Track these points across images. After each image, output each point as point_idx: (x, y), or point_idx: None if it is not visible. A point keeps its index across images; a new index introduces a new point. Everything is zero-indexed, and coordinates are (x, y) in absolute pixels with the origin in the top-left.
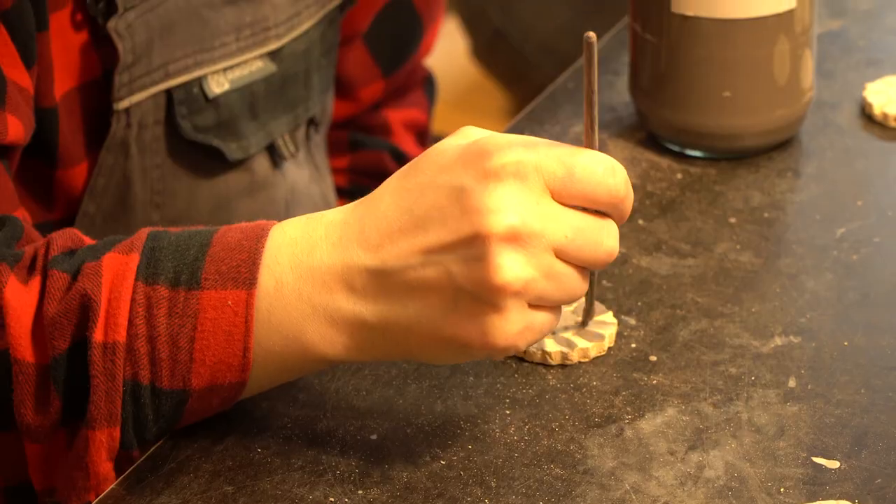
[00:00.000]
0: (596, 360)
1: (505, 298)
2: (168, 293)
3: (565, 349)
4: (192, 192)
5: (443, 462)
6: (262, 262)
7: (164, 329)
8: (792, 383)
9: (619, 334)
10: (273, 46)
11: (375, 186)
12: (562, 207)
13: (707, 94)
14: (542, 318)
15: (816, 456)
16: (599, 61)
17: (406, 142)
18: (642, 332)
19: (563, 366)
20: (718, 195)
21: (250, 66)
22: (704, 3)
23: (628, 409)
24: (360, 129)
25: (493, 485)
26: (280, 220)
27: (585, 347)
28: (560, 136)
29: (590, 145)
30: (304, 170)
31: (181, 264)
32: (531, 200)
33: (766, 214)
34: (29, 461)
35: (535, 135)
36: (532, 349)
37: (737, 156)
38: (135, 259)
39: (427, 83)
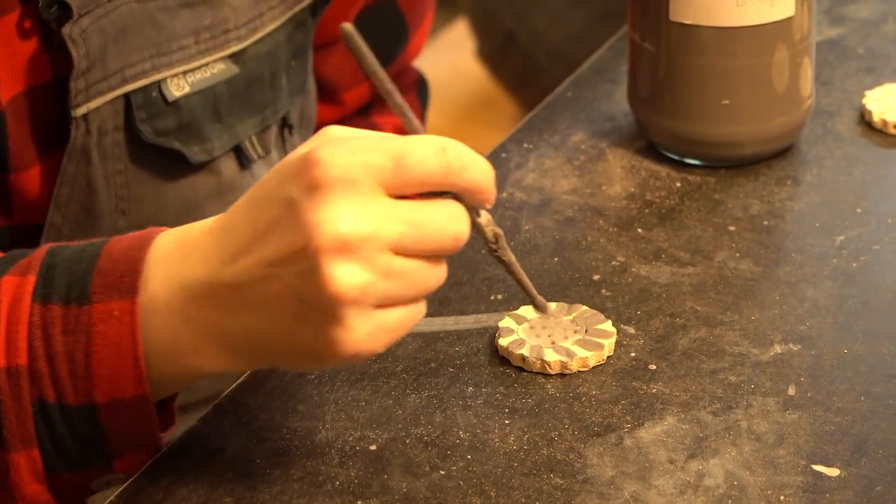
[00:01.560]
0: (595, 370)
1: (342, 308)
2: (61, 311)
3: (564, 359)
4: (157, 196)
5: (442, 472)
6: (142, 274)
7: (61, 347)
8: (791, 391)
9: (618, 343)
10: (234, 49)
11: None
12: (395, 203)
13: (706, 102)
14: (395, 316)
15: (816, 464)
16: (596, 69)
17: None
18: (641, 341)
19: (562, 375)
20: (718, 203)
21: (212, 69)
22: (703, 12)
23: (628, 417)
24: None
25: (493, 494)
26: None
27: (584, 357)
28: (559, 146)
29: (413, 131)
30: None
31: (73, 280)
32: (359, 203)
33: (765, 222)
34: None
35: (535, 144)
36: (531, 359)
37: (736, 164)
38: (31, 280)
39: (419, 86)
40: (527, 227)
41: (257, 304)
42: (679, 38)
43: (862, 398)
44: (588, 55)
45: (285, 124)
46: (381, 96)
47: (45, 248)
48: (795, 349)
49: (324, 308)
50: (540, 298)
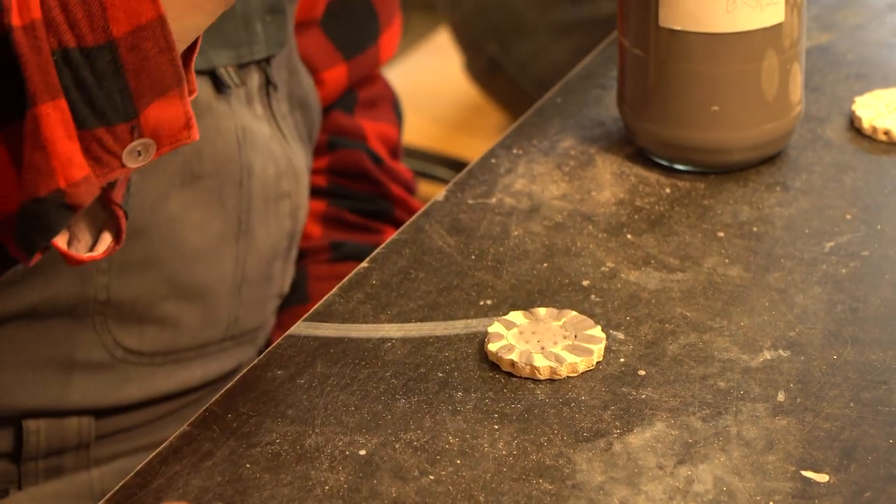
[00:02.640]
0: (584, 375)
1: None
2: None
3: (554, 364)
4: None
5: (431, 477)
6: None
7: None
8: (781, 397)
9: (607, 349)
10: None
11: (355, 187)
12: None
13: (695, 108)
14: None
15: (805, 470)
16: (585, 75)
17: (380, 152)
18: (631, 347)
19: (551, 380)
20: (707, 209)
21: None
22: (692, 18)
23: (617, 423)
24: (336, 133)
25: (482, 500)
26: (232, 153)
27: (574, 362)
28: (549, 151)
29: None
30: (264, 125)
31: None
32: None
33: (754, 228)
34: None
35: (524, 150)
36: (521, 364)
37: (725, 170)
38: None
39: (394, 104)
40: (516, 233)
41: None
42: (668, 44)
43: (851, 404)
44: None
45: (268, 81)
46: (366, 103)
47: None
48: (785, 355)
49: None
50: None
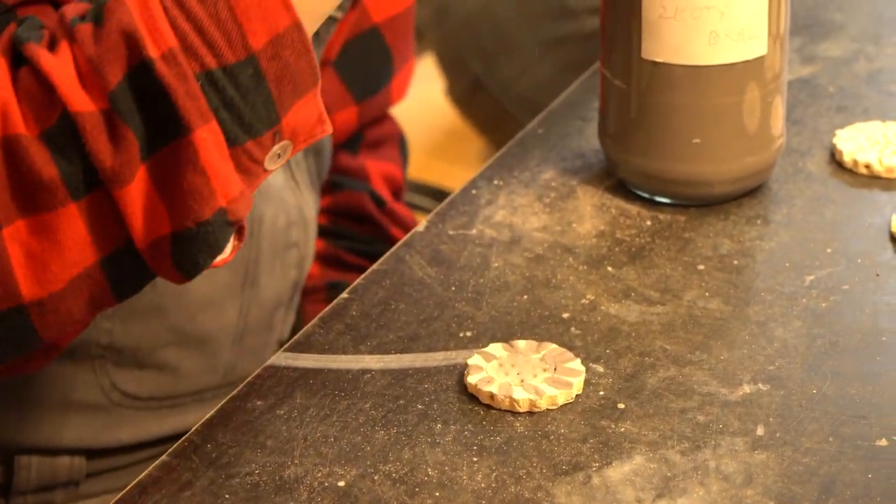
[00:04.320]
0: (564, 408)
1: None
2: None
3: (533, 397)
4: None
5: None
6: None
7: (204, 13)
8: (760, 431)
9: (587, 382)
10: None
11: (355, 228)
12: None
13: (677, 140)
14: None
15: None
16: (567, 106)
17: (384, 192)
18: (610, 380)
19: (530, 413)
20: (688, 242)
21: None
22: (675, 50)
23: (596, 456)
24: (340, 173)
25: None
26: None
27: (553, 395)
28: (530, 183)
29: None
30: (278, 172)
31: None
32: None
33: (735, 262)
34: (125, 212)
35: (505, 181)
36: (500, 396)
37: (706, 203)
38: None
39: (400, 143)
40: (496, 264)
41: None
42: (651, 76)
43: (830, 439)
44: None
45: None
46: (372, 144)
47: None
48: (764, 389)
49: None
50: None
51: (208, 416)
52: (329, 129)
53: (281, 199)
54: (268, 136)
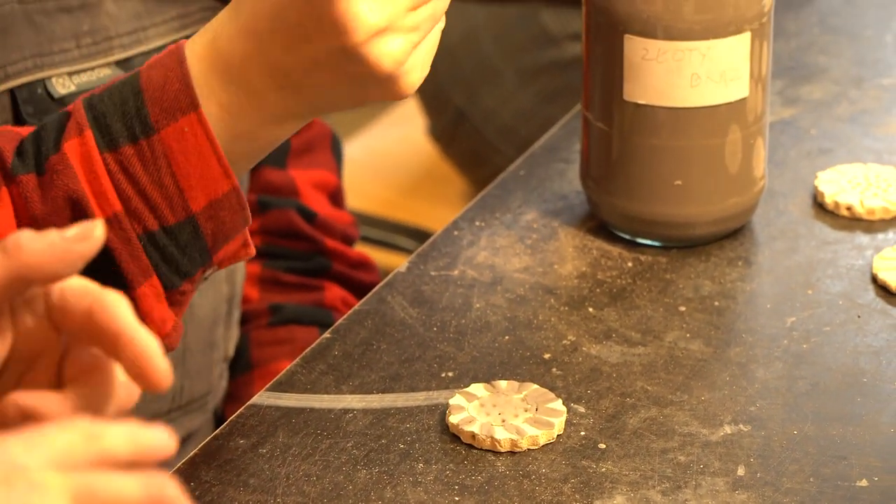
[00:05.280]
0: (545, 448)
1: (397, 72)
2: (133, 149)
3: (514, 436)
4: None
5: None
6: (194, 87)
7: (147, 179)
8: (741, 471)
9: (568, 422)
10: (119, 56)
11: (287, 246)
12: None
13: (658, 182)
14: (430, 44)
15: None
16: (549, 148)
17: (317, 202)
18: (592, 420)
19: (512, 453)
20: (669, 283)
21: (98, 73)
22: (657, 92)
23: (577, 496)
24: (266, 191)
25: None
26: None
27: (535, 435)
28: (511, 224)
29: None
30: None
31: (129, 119)
32: None
33: (716, 303)
34: None
35: (487, 223)
36: (481, 436)
37: (688, 244)
38: (89, 136)
39: (333, 143)
40: (478, 305)
41: (311, 86)
42: (633, 119)
43: (811, 479)
44: (538, 133)
45: None
46: (299, 152)
47: (78, 104)
48: (745, 430)
49: (380, 78)
50: None
51: (191, 454)
52: (252, 251)
53: None
54: (199, 274)
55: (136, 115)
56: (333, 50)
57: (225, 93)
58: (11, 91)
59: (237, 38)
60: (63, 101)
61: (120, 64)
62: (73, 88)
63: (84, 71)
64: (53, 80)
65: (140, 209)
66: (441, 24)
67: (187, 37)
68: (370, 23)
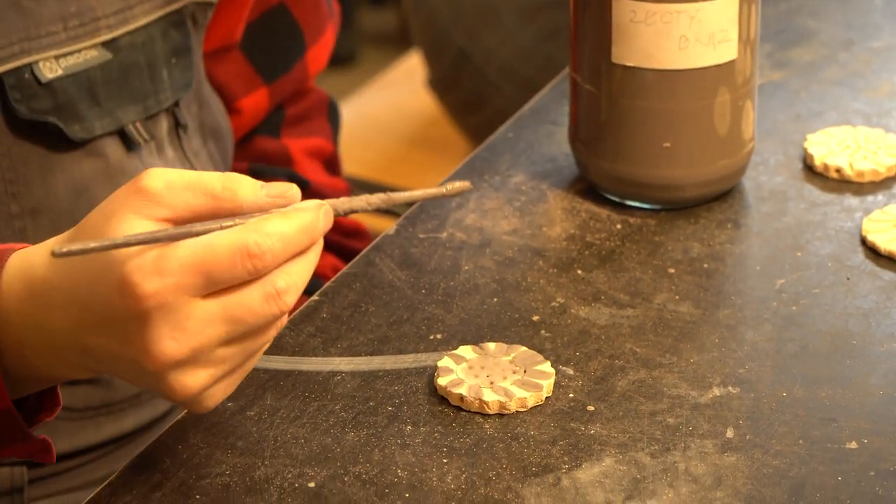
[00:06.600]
0: (533, 410)
1: (188, 400)
2: None
3: (503, 399)
4: (45, 178)
5: None
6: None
7: None
8: (730, 434)
9: (556, 384)
10: (105, 37)
11: None
12: (213, 304)
13: (647, 144)
14: (233, 379)
15: None
16: (537, 110)
17: (311, 170)
18: (580, 382)
19: (500, 415)
20: (658, 246)
21: (84, 55)
22: (645, 54)
23: (565, 458)
24: (259, 160)
25: None
26: None
27: (523, 397)
28: (500, 186)
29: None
30: (177, 168)
31: None
32: (180, 321)
33: (705, 265)
34: None
35: (475, 185)
36: (470, 398)
37: (677, 206)
38: None
39: (330, 110)
40: (466, 268)
41: (106, 362)
42: (621, 81)
43: (800, 441)
44: (538, 72)
45: (178, 123)
46: (294, 120)
47: None
48: (734, 392)
49: (173, 399)
50: (453, 185)
51: (179, 416)
52: (54, 458)
53: None
54: None
55: None
56: (132, 363)
57: (26, 309)
58: None
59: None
60: (50, 85)
61: (106, 45)
62: (59, 72)
63: (71, 54)
64: (41, 63)
65: None
66: (257, 359)
67: (173, 13)
68: (170, 354)
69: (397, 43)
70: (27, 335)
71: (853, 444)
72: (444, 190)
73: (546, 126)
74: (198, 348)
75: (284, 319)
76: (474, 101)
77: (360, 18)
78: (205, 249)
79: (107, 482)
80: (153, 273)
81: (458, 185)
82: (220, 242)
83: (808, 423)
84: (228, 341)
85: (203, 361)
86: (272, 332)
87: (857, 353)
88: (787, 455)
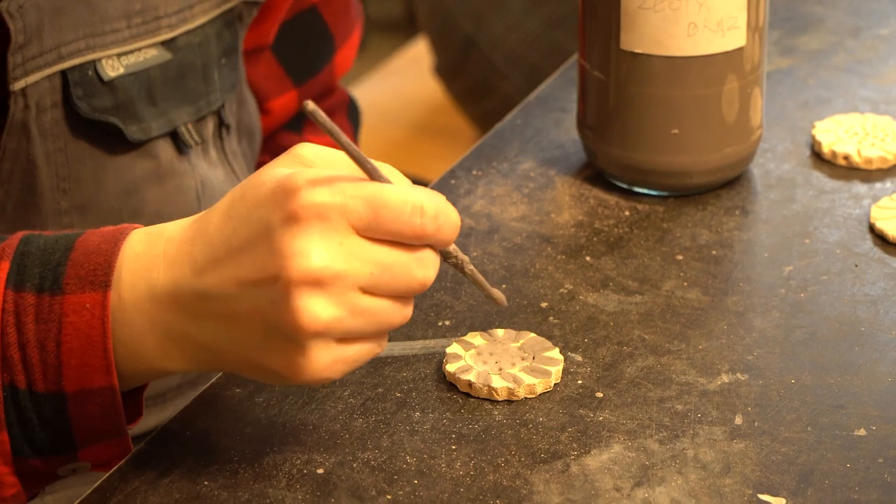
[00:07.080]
0: (542, 396)
1: (307, 339)
2: (34, 299)
3: (512, 385)
4: (97, 177)
5: (388, 497)
6: (115, 269)
7: (33, 335)
8: (738, 420)
9: (565, 371)
10: (166, 36)
11: None
12: (368, 244)
13: (655, 131)
14: (355, 350)
15: (762, 493)
16: (545, 97)
17: None
18: (589, 369)
19: (509, 401)
20: (666, 232)
21: (145, 54)
22: (653, 41)
23: (574, 445)
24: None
25: None
26: (193, 211)
27: (532, 384)
28: (508, 173)
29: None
30: (218, 169)
31: (46, 269)
32: (334, 241)
33: (713, 252)
34: None
35: (484, 172)
36: (478, 385)
37: (685, 193)
38: (4, 267)
39: (350, 108)
40: (475, 254)
41: (224, 317)
42: (629, 68)
43: (808, 428)
44: (545, 59)
45: (222, 123)
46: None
47: (19, 235)
48: (743, 379)
49: (289, 335)
50: (497, 293)
51: (188, 403)
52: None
53: (223, 192)
54: (59, 462)
55: (54, 268)
56: (263, 279)
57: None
58: (63, 73)
59: (178, 234)
60: (111, 83)
61: (165, 44)
62: (121, 70)
63: (132, 52)
64: (103, 61)
65: (14, 360)
66: (379, 346)
67: (227, 12)
68: (315, 266)
69: (404, 30)
70: (138, 307)
71: (861, 431)
72: (492, 293)
73: (554, 113)
74: (341, 274)
75: (410, 311)
76: (481, 89)
77: (367, 5)
78: (381, 190)
79: (115, 467)
80: (325, 185)
81: (498, 295)
82: (397, 191)
83: (816, 410)
84: (369, 290)
85: (339, 296)
86: (407, 311)
87: (866, 340)
88: (796, 442)
